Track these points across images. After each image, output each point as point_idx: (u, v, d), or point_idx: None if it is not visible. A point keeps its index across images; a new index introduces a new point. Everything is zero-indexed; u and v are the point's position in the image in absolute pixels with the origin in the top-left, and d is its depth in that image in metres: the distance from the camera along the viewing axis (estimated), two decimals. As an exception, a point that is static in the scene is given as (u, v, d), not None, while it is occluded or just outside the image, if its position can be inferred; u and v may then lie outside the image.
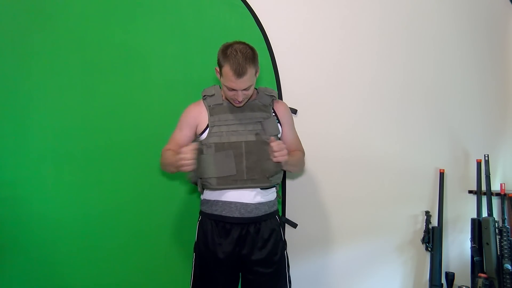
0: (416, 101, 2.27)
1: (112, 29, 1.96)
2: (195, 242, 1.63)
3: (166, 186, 1.97)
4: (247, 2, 2.08)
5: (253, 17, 2.08)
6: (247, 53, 1.46)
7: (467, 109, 2.34)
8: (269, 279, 1.56)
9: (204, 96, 1.64)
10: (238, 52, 1.44)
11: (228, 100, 1.60)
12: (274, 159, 1.47)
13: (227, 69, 1.45)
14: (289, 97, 2.07)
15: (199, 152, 1.57)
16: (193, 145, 1.43)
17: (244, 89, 1.50)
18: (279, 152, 1.45)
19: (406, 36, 2.27)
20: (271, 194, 1.63)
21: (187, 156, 1.41)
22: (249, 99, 1.63)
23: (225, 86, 1.51)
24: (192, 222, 1.73)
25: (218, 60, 1.50)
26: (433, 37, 2.30)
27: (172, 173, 1.63)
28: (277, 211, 1.68)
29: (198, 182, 1.63)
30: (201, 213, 1.64)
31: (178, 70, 2.00)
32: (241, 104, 1.58)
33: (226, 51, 1.46)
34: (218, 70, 1.52)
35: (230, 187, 1.54)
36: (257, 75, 1.54)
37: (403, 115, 2.25)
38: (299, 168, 1.75)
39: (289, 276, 1.63)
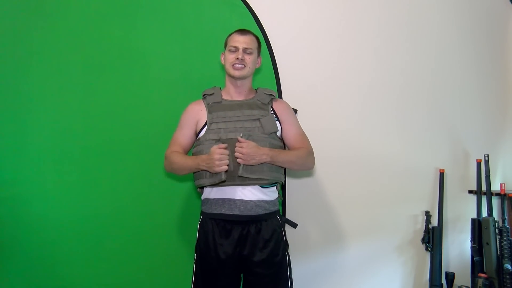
0: (416, 100, 2.27)
1: (112, 29, 1.96)
2: (196, 243, 1.62)
3: (167, 187, 1.97)
4: (247, 2, 2.08)
5: (253, 17, 2.08)
6: (251, 31, 1.67)
7: (467, 109, 2.34)
8: (270, 280, 1.56)
9: (204, 95, 1.68)
10: (243, 28, 1.66)
11: (229, 74, 1.63)
12: (238, 160, 1.50)
13: (232, 35, 1.64)
14: (289, 97, 2.07)
15: (196, 149, 1.60)
16: (223, 146, 1.48)
17: (245, 51, 1.60)
18: (238, 154, 1.49)
19: (406, 35, 2.27)
20: (271, 193, 1.62)
21: (221, 157, 1.46)
22: (247, 97, 1.66)
23: (228, 50, 1.62)
24: (193, 222, 1.73)
25: (225, 41, 1.67)
26: (433, 36, 2.30)
27: (182, 175, 1.69)
28: (278, 211, 1.67)
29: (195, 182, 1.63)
30: (202, 213, 1.64)
31: (178, 70, 2.00)
32: (240, 73, 1.60)
33: (232, 32, 1.66)
34: (224, 53, 1.66)
35: (227, 183, 1.53)
36: (258, 62, 1.68)
37: (403, 114, 2.25)
38: (297, 165, 1.66)
39: (290, 278, 1.61)
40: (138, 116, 1.95)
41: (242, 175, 1.51)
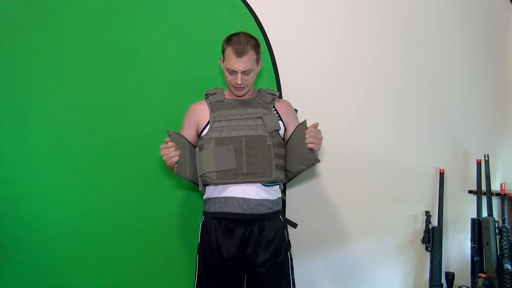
0: (416, 100, 2.27)
1: (112, 29, 1.96)
2: (199, 244, 1.62)
3: (167, 186, 1.97)
4: (247, 2, 2.08)
5: (253, 17, 2.08)
6: (250, 39, 1.56)
7: (467, 109, 2.34)
8: (273, 281, 1.56)
9: (207, 95, 1.69)
10: (241, 36, 1.55)
11: (231, 91, 1.62)
12: (309, 145, 1.47)
13: (229, 50, 1.54)
14: (289, 97, 2.07)
15: (200, 148, 1.60)
16: (167, 141, 1.47)
17: (244, 73, 1.54)
18: (314, 138, 1.46)
19: (406, 35, 2.27)
20: (274, 192, 1.62)
21: (165, 151, 1.46)
22: (250, 97, 1.66)
23: (227, 69, 1.57)
24: (194, 222, 1.73)
25: (222, 46, 1.59)
26: (433, 36, 2.30)
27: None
28: (281, 211, 1.67)
29: (199, 180, 1.63)
30: (204, 213, 1.64)
31: (178, 70, 2.00)
32: (241, 92, 1.61)
33: (231, 37, 1.57)
34: (222, 58, 1.60)
35: (231, 181, 1.54)
36: (259, 66, 1.61)
37: (403, 114, 2.25)
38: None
39: (293, 279, 1.62)
40: (138, 116, 1.95)
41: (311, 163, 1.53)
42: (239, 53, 1.51)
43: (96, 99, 1.93)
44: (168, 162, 1.48)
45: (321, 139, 1.49)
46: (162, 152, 1.47)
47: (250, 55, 1.53)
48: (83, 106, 1.92)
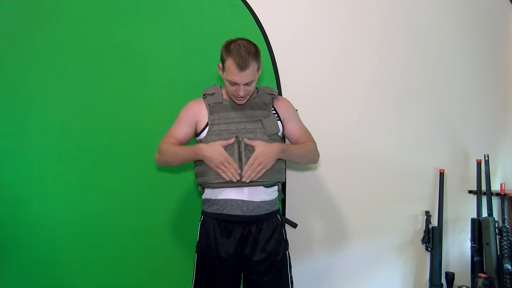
0: (416, 101, 2.27)
1: (112, 28, 1.96)
2: (197, 242, 1.62)
3: (167, 186, 1.97)
4: (247, 2, 2.08)
5: (253, 17, 2.08)
6: (250, 48, 1.49)
7: (467, 109, 2.34)
8: (271, 279, 1.56)
9: (204, 94, 1.66)
10: (241, 47, 1.47)
11: (230, 98, 1.60)
12: (248, 181, 1.50)
13: (230, 62, 1.48)
14: (289, 97, 2.05)
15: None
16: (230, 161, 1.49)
17: (246, 84, 1.51)
18: (257, 167, 1.49)
19: (406, 35, 2.27)
20: (272, 193, 1.62)
21: (226, 169, 1.48)
22: (249, 98, 1.63)
23: (227, 81, 1.52)
24: (193, 221, 1.73)
25: (221, 55, 1.52)
26: (433, 36, 2.30)
27: (177, 166, 1.66)
28: (278, 210, 1.67)
29: (197, 181, 1.63)
30: (203, 212, 1.64)
31: (178, 70, 2.00)
32: (243, 101, 1.58)
33: (229, 46, 1.49)
34: (221, 66, 1.55)
35: (230, 185, 1.54)
36: (259, 72, 1.56)
37: (403, 114, 2.26)
38: (307, 159, 1.70)
39: (291, 277, 1.62)
40: (138, 116, 1.95)
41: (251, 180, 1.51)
42: (241, 67, 1.46)
43: (96, 99, 1.93)
44: (227, 175, 1.49)
45: (263, 162, 1.50)
46: (223, 168, 1.48)
47: (252, 67, 1.48)
48: (83, 106, 1.91)
